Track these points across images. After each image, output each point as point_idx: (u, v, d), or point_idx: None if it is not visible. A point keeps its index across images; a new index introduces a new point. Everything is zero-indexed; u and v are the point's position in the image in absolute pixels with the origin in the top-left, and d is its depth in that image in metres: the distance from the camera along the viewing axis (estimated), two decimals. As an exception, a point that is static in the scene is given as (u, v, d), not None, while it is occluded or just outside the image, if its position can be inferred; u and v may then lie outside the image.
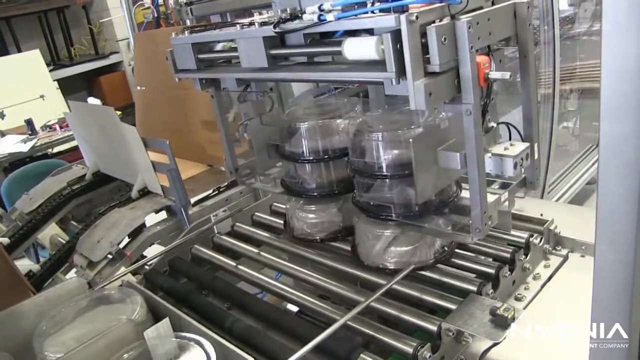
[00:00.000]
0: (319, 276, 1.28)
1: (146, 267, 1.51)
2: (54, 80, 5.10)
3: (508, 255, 1.17)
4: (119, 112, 1.99)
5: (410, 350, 0.96)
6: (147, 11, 3.65)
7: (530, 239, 1.20)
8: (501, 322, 0.95)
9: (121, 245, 1.81)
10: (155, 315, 1.18)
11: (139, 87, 2.69)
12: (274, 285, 1.32)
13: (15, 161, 3.36)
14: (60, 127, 3.67)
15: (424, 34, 0.88)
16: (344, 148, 1.29)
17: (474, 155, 0.98)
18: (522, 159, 1.04)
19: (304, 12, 0.98)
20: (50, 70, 5.31)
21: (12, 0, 5.42)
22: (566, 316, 1.01)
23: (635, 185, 0.60)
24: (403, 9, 0.86)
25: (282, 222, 1.54)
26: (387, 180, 1.16)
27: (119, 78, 6.20)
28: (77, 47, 6.20)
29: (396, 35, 0.86)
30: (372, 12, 0.89)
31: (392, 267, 1.19)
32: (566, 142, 3.22)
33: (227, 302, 1.32)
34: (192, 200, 1.93)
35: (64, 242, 1.98)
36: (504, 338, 0.93)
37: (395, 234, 1.18)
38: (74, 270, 1.83)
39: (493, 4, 1.02)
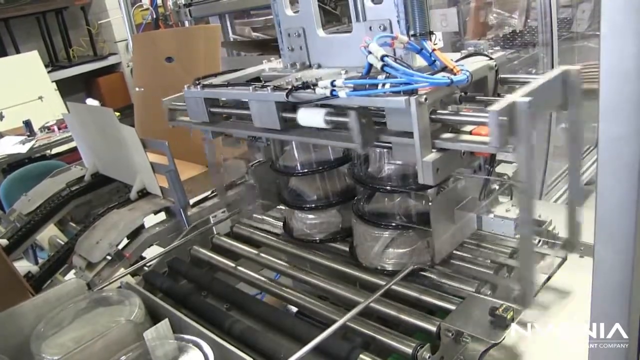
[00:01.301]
0: (318, 277, 1.28)
1: (145, 268, 1.51)
2: (53, 82, 5.10)
3: (507, 256, 1.17)
4: (117, 114, 1.98)
5: (409, 350, 0.96)
6: (145, 12, 3.66)
7: (529, 240, 1.20)
8: (500, 323, 0.95)
9: (120, 247, 1.80)
10: (154, 316, 1.18)
11: (137, 89, 2.69)
12: (273, 286, 1.32)
13: (14, 162, 3.35)
14: (59, 128, 3.67)
15: (433, 111, 0.91)
16: (342, 157, 1.31)
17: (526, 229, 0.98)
18: None
19: (316, 85, 1.00)
20: (49, 72, 5.31)
21: (10, 1, 5.42)
22: (565, 316, 1.01)
23: (634, 186, 0.60)
24: (412, 92, 0.89)
25: (281, 223, 1.55)
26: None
27: (117, 79, 6.20)
28: (76, 49, 6.20)
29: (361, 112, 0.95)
30: (384, 92, 0.92)
31: (390, 269, 1.19)
32: (564, 143, 3.22)
33: (227, 303, 1.32)
34: (191, 201, 1.92)
35: (62, 243, 1.98)
36: (503, 338, 0.93)
37: (393, 235, 1.18)
38: (73, 271, 1.83)
39: (497, 73, 1.05)
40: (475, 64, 1.02)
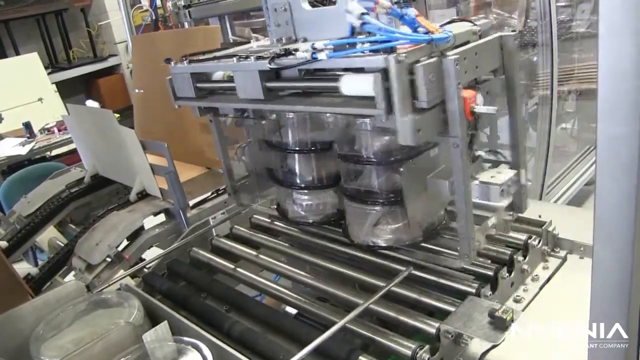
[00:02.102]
0: (317, 279, 1.28)
1: (145, 270, 1.50)
2: (53, 83, 5.10)
3: (507, 257, 1.17)
4: (117, 115, 1.98)
5: (409, 352, 0.96)
6: (145, 14, 3.66)
7: (529, 241, 1.20)
8: (500, 324, 0.95)
9: (120, 248, 1.80)
10: (153, 318, 1.18)
11: (137, 90, 2.69)
12: (272, 287, 1.31)
13: (14, 164, 3.35)
14: (59, 130, 3.67)
15: (412, 71, 0.90)
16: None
17: (461, 186, 1.01)
18: (508, 186, 1.06)
19: (297, 50, 1.00)
20: (49, 73, 5.31)
21: (10, 3, 5.42)
22: (565, 317, 1.01)
23: (633, 185, 0.60)
24: (392, 50, 0.89)
25: (281, 225, 1.55)
26: (374, 167, 1.17)
27: (117, 81, 6.21)
28: (76, 50, 6.21)
29: (385, 73, 0.89)
30: (363, 52, 0.92)
31: (382, 244, 1.19)
32: (565, 143, 3.23)
33: (226, 305, 1.32)
34: (191, 202, 1.93)
35: (62, 245, 1.98)
36: (503, 340, 0.93)
37: (382, 212, 1.17)
38: (73, 273, 1.83)
39: (480, 37, 1.08)
40: (459, 28, 1.04)
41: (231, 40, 3.59)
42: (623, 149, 0.58)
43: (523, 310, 1.11)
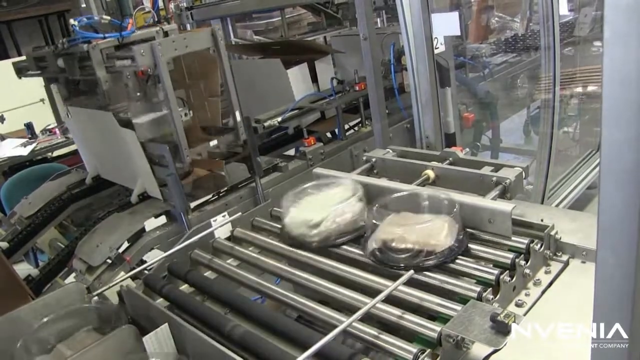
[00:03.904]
0: (318, 281, 1.28)
1: (145, 272, 1.50)
2: (55, 84, 5.09)
3: (508, 261, 1.16)
4: (119, 116, 1.98)
5: (410, 356, 0.96)
6: (147, 15, 3.65)
7: (531, 245, 1.20)
8: (502, 329, 0.94)
9: (120, 250, 1.80)
10: (153, 320, 1.17)
11: (139, 91, 2.69)
12: (273, 290, 1.31)
13: (15, 165, 3.36)
14: (60, 131, 3.67)
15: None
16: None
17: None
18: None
19: None
20: (51, 74, 5.30)
21: (13, 3, 5.43)
22: (567, 322, 1.01)
23: (636, 190, 0.59)
24: (89, 42, 1.89)
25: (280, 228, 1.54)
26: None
27: (119, 82, 6.19)
28: (78, 51, 6.21)
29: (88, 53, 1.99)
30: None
31: None
32: (566, 146, 3.22)
33: (227, 308, 1.31)
34: (192, 205, 1.92)
35: (63, 246, 1.98)
36: (505, 344, 0.93)
37: None
38: (73, 274, 1.83)
39: (166, 34, 2.12)
40: (149, 29, 2.07)
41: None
42: (627, 154, 0.58)
43: (525, 314, 1.10)
